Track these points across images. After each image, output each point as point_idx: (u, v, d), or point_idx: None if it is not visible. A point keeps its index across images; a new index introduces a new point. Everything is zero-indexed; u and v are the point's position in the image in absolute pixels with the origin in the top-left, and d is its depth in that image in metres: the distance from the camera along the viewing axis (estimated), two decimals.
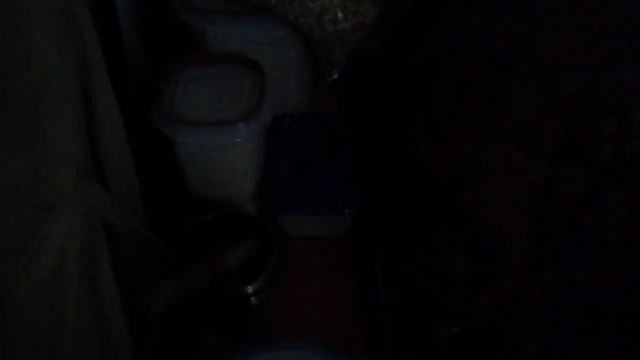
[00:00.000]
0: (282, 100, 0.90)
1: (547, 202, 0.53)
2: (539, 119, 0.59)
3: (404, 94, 0.94)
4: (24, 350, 0.51)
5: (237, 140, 0.72)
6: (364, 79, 1.01)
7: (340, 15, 0.71)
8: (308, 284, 0.83)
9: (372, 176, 0.88)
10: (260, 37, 0.81)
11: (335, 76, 0.82)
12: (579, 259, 0.47)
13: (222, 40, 0.80)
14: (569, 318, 0.48)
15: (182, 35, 0.84)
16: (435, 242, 0.72)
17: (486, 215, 0.62)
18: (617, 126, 0.48)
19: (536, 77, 0.61)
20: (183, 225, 0.77)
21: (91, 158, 0.63)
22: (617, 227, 0.45)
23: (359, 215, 0.85)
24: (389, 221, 0.87)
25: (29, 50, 0.47)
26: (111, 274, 0.61)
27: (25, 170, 0.51)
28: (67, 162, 0.57)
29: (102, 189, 0.62)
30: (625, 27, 0.50)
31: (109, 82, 0.61)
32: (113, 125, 0.64)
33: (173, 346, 0.73)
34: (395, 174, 0.88)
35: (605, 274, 0.44)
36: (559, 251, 0.50)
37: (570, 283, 0.47)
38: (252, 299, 0.74)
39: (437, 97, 0.83)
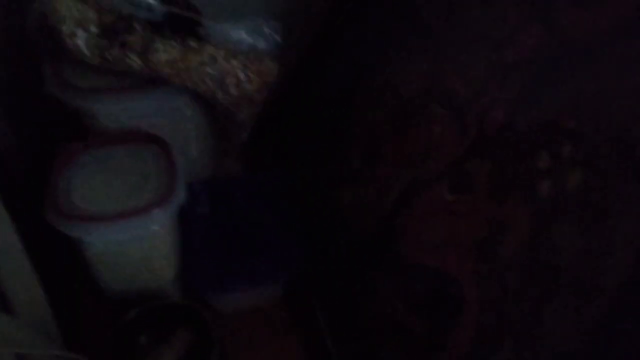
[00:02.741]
0: (185, 169, 0.83)
1: (493, 246, 0.53)
2: (465, 158, 0.59)
3: (312, 138, 0.92)
4: None
5: (155, 228, 0.65)
6: (266, 131, 0.97)
7: (242, 76, 0.67)
8: None
9: (300, 231, 0.84)
10: (156, 110, 0.74)
11: (244, 137, 0.78)
12: (546, 298, 0.46)
13: (113, 119, 0.72)
14: None
15: (66, 118, 0.75)
16: (382, 295, 0.70)
17: (436, 262, 0.60)
18: (549, 160, 0.49)
19: (455, 116, 0.61)
20: (105, 330, 0.68)
21: None
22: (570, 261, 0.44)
23: (295, 276, 0.80)
24: (326, 278, 0.83)
25: None
26: None
27: None
28: None
29: (6, 317, 0.53)
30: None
31: None
32: (3, 236, 0.55)
33: None
34: (322, 225, 0.84)
35: (579, 315, 0.43)
36: (519, 291, 0.50)
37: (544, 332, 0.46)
38: None
39: (347, 139, 0.81)
